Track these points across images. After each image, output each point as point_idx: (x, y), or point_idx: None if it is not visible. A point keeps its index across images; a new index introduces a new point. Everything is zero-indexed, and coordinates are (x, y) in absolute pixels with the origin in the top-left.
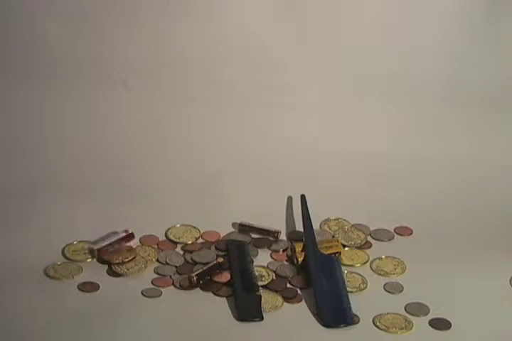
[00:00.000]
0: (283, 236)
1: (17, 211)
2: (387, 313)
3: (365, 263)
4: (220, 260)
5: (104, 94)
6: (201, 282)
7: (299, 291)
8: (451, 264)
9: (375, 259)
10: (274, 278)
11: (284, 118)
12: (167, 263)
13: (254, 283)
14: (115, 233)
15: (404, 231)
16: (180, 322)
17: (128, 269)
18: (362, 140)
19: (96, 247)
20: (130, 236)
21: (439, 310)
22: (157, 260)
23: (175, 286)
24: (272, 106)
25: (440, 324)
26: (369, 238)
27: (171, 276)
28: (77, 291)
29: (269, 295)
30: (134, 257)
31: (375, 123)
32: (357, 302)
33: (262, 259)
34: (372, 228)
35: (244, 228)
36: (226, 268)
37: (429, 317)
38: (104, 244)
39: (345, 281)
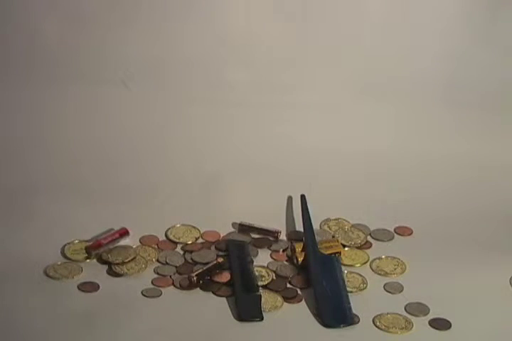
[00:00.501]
0: (283, 236)
1: (17, 211)
2: (387, 313)
3: (365, 263)
4: (220, 260)
5: (104, 94)
6: (201, 282)
7: (299, 291)
8: (451, 264)
9: (375, 259)
10: (274, 278)
11: (284, 119)
12: (167, 263)
13: (254, 283)
14: (110, 230)
15: (404, 231)
16: (180, 322)
17: (128, 269)
18: (362, 140)
19: (89, 243)
20: (124, 233)
21: (439, 310)
22: (157, 260)
23: (175, 286)
24: (272, 106)
25: (440, 324)
26: (369, 238)
27: (170, 276)
28: (77, 291)
29: (269, 295)
30: (134, 257)
31: (375, 123)
32: (357, 302)
33: (262, 259)
34: (372, 228)
35: (244, 228)
36: (226, 268)
37: (429, 317)
38: (96, 239)
39: (346, 281)
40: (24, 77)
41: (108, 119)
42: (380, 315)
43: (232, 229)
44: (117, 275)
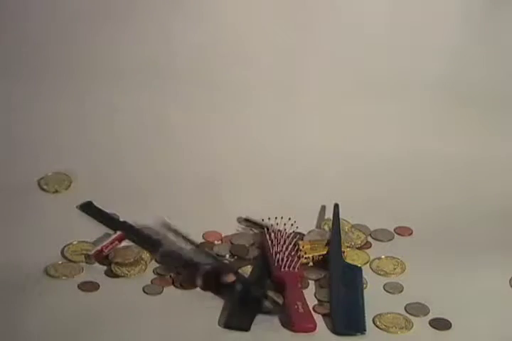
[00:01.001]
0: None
1: (17, 211)
2: (387, 313)
3: (365, 263)
4: (232, 278)
5: (104, 94)
6: (205, 284)
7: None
8: (451, 264)
9: (375, 259)
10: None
11: (284, 118)
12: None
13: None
14: (107, 235)
15: (404, 231)
16: (180, 322)
17: (129, 271)
18: (362, 140)
19: (91, 253)
20: (122, 237)
21: (439, 310)
22: (156, 260)
23: (175, 286)
24: (272, 106)
25: (440, 324)
26: (369, 238)
27: (170, 276)
28: (78, 291)
29: None
30: (137, 259)
31: (375, 123)
32: None
33: None
34: (372, 228)
35: (249, 224)
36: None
37: (429, 317)
38: (98, 248)
39: (363, 291)
40: (24, 77)
41: (108, 119)
42: (379, 314)
43: (233, 230)
44: (117, 276)
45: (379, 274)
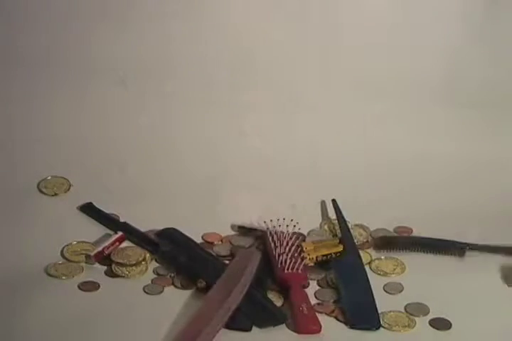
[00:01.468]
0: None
1: (17, 212)
2: (390, 311)
3: (367, 263)
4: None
5: (103, 94)
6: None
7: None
8: (451, 264)
9: (375, 259)
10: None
11: (284, 118)
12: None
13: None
14: (108, 236)
15: (404, 231)
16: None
17: (129, 271)
18: (361, 140)
19: (92, 253)
20: (123, 238)
21: (439, 310)
22: (156, 261)
23: (175, 286)
24: (272, 106)
25: (440, 324)
26: (369, 238)
27: (170, 276)
28: (78, 291)
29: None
30: (139, 260)
31: (375, 122)
32: None
33: None
34: (372, 228)
35: (243, 230)
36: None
37: (429, 317)
38: (99, 249)
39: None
40: (24, 77)
41: (108, 119)
42: (382, 313)
43: (232, 231)
44: (117, 276)
45: (379, 274)
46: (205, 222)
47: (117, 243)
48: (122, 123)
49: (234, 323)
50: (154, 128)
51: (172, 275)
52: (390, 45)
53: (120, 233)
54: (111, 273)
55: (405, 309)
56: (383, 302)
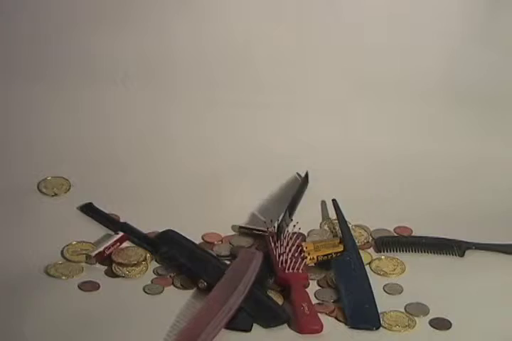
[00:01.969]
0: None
1: (17, 213)
2: (390, 311)
3: (367, 263)
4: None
5: (103, 94)
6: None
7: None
8: (451, 264)
9: (375, 259)
10: None
11: (284, 118)
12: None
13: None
14: (108, 236)
15: (404, 231)
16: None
17: (129, 271)
18: (361, 140)
19: (93, 254)
20: (123, 238)
21: (439, 310)
22: (156, 261)
23: (175, 286)
24: (272, 106)
25: (440, 324)
26: (369, 238)
27: (170, 276)
28: (78, 291)
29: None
30: (140, 261)
31: (375, 122)
32: None
33: None
34: (372, 228)
35: (244, 231)
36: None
37: (429, 317)
38: (100, 249)
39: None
40: (24, 77)
41: (108, 119)
42: (382, 312)
43: (232, 231)
44: (118, 276)
45: (379, 274)
46: (205, 222)
47: (118, 243)
48: (122, 123)
49: (234, 323)
50: (154, 128)
51: (172, 275)
52: (390, 45)
53: (121, 233)
54: (111, 273)
55: (405, 309)
56: (383, 302)
